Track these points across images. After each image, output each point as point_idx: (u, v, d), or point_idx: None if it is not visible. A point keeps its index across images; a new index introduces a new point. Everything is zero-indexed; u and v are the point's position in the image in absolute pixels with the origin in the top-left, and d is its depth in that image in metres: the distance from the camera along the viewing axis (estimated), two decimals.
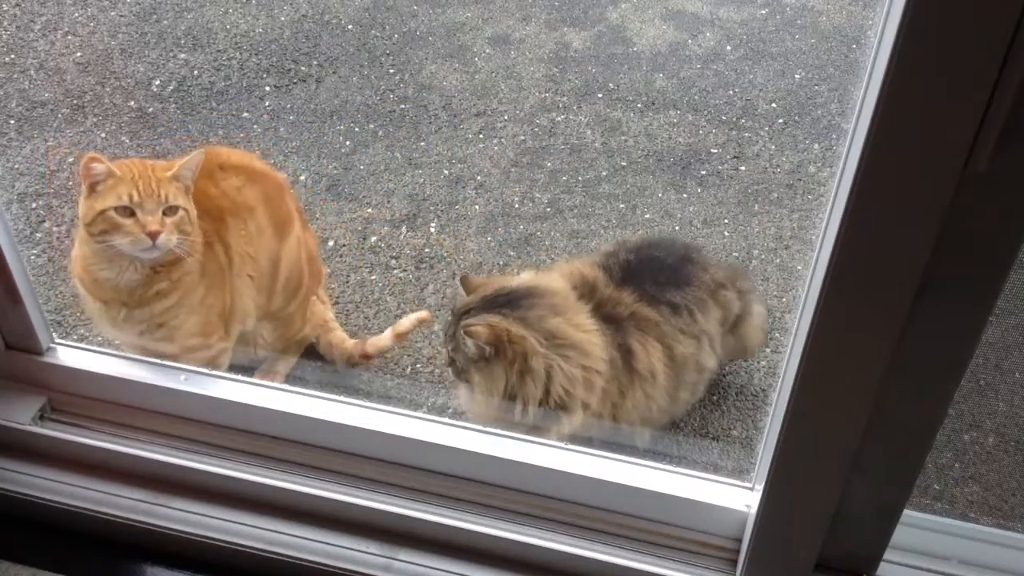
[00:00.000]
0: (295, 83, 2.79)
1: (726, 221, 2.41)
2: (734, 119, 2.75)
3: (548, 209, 2.42)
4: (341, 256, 2.25)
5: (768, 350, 2.04)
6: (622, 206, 2.44)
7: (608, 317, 1.65)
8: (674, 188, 2.50)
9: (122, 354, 1.46)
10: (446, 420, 1.33)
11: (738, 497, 1.22)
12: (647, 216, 2.42)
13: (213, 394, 1.35)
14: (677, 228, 2.39)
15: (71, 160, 2.46)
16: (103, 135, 2.55)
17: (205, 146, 1.65)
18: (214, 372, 1.41)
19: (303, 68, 2.86)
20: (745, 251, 2.33)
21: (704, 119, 2.75)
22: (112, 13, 3.01)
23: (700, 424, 1.92)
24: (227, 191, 1.70)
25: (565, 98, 2.81)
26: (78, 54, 2.83)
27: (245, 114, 2.67)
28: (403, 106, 2.74)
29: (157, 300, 1.58)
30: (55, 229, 2.25)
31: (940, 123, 0.74)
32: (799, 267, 2.28)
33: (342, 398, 1.34)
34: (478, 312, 1.61)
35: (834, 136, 2.70)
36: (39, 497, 1.31)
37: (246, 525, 1.28)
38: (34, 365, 1.38)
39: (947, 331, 0.89)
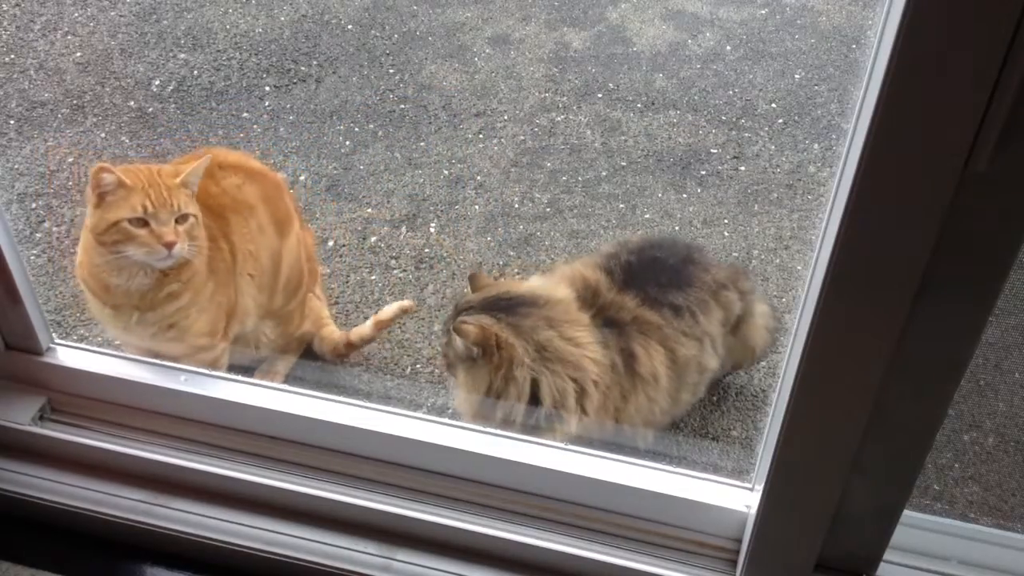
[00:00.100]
0: (295, 83, 2.79)
1: (726, 221, 2.41)
2: (734, 119, 2.75)
3: (548, 209, 2.42)
4: (341, 256, 2.25)
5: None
6: (622, 206, 2.44)
7: (610, 321, 1.65)
8: (674, 188, 2.50)
9: (122, 354, 1.46)
10: (445, 421, 1.32)
11: (738, 497, 1.22)
12: (647, 216, 2.42)
13: (212, 394, 1.35)
14: (677, 228, 2.39)
15: (71, 160, 2.46)
16: (103, 135, 2.55)
17: (203, 146, 1.65)
18: (213, 372, 1.41)
19: (303, 68, 2.86)
20: (745, 251, 2.33)
21: (704, 119, 2.75)
22: (112, 13, 3.01)
23: (700, 424, 1.92)
24: (228, 189, 1.71)
25: (565, 98, 2.81)
26: (78, 54, 2.83)
27: (245, 114, 2.67)
28: (403, 106, 2.74)
29: (169, 302, 1.59)
30: (55, 229, 2.25)
31: (940, 123, 0.74)
32: (799, 267, 2.28)
33: (341, 398, 1.34)
34: (475, 312, 1.62)
35: (834, 136, 2.70)
36: (39, 497, 1.31)
37: (245, 525, 1.28)
38: (34, 365, 1.38)
39: (947, 331, 0.89)
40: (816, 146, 2.67)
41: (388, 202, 2.42)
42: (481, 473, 1.29)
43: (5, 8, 2.98)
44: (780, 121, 2.75)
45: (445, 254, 2.27)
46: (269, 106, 2.70)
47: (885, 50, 0.73)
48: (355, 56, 2.92)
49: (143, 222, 1.49)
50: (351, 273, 2.21)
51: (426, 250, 2.28)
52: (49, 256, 2.18)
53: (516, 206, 2.42)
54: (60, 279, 2.12)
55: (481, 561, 1.25)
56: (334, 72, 2.85)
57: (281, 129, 2.63)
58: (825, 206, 0.91)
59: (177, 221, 1.52)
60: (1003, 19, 0.68)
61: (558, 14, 3.17)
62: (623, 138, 2.67)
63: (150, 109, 2.65)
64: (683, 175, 2.54)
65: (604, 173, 2.54)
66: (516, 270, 2.24)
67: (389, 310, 1.95)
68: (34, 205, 2.31)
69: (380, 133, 2.64)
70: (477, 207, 2.41)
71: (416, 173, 2.51)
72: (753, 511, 1.16)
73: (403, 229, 2.34)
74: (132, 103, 2.66)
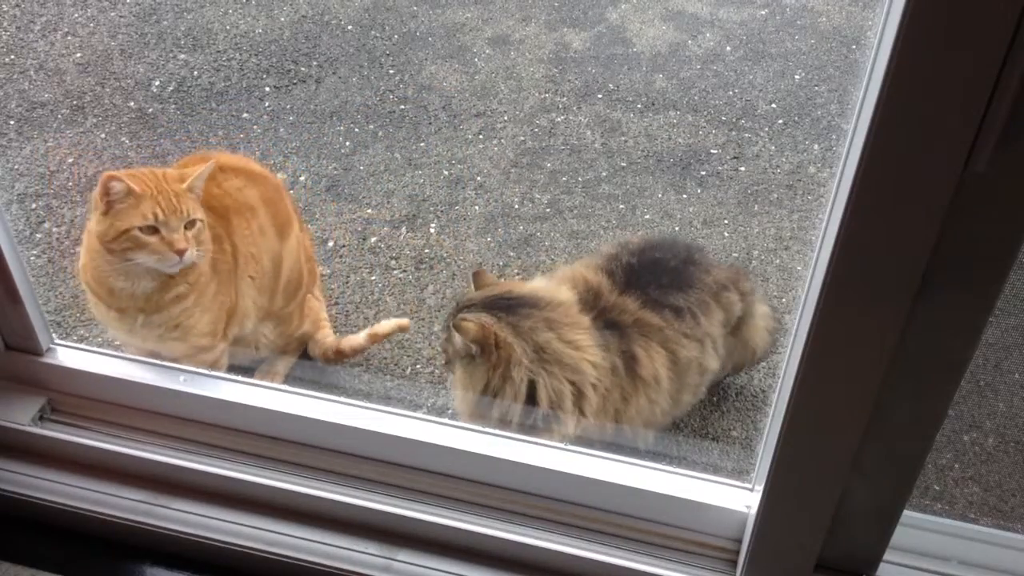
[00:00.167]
0: (295, 84, 2.79)
1: (726, 222, 2.41)
2: (734, 120, 2.75)
3: (548, 210, 2.42)
4: (341, 257, 2.26)
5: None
6: (622, 207, 2.44)
7: (612, 324, 1.65)
8: (674, 189, 2.50)
9: (122, 355, 1.46)
10: (445, 421, 1.32)
11: (738, 498, 1.22)
12: (647, 217, 2.42)
13: (212, 395, 1.35)
14: (677, 229, 2.39)
15: (71, 161, 2.46)
16: (103, 136, 2.55)
17: (202, 149, 1.65)
18: (213, 373, 1.41)
19: (303, 69, 2.86)
20: (745, 251, 2.33)
21: (704, 120, 2.75)
22: (112, 13, 3.02)
23: (700, 425, 1.92)
24: (229, 191, 1.71)
25: (565, 99, 2.81)
26: (78, 55, 2.83)
27: (245, 115, 2.67)
28: (403, 106, 2.74)
29: (175, 303, 1.61)
30: (55, 230, 2.25)
31: (940, 124, 0.74)
32: (799, 267, 2.28)
33: (341, 399, 1.34)
34: (476, 309, 1.62)
35: (834, 136, 2.70)
36: (39, 497, 1.31)
37: (245, 525, 1.28)
38: (34, 366, 1.38)
39: (947, 331, 0.88)
40: (816, 146, 2.67)
41: (388, 203, 2.42)
42: (481, 473, 1.29)
43: (5, 8, 2.98)
44: (780, 122, 2.75)
45: (445, 255, 2.27)
46: (269, 107, 2.70)
47: (885, 50, 0.73)
48: (355, 57, 2.92)
49: (153, 229, 1.50)
50: (351, 274, 2.21)
51: (426, 251, 2.28)
52: (49, 256, 2.18)
53: (516, 207, 2.42)
54: (60, 279, 2.12)
55: (481, 561, 1.25)
56: (334, 73, 2.85)
57: (281, 129, 2.63)
58: (825, 206, 0.91)
59: (186, 227, 1.53)
60: (1003, 19, 0.68)
61: (558, 15, 3.17)
62: (623, 139, 2.67)
63: (150, 110, 2.65)
64: (683, 176, 2.55)
65: (604, 174, 2.54)
66: (516, 271, 2.24)
67: (386, 325, 1.95)
68: (34, 205, 2.31)
69: (380, 134, 2.64)
70: (477, 208, 2.41)
71: (416, 174, 2.51)
72: (753, 511, 1.16)
73: (403, 230, 2.34)
74: (132, 104, 2.66)
